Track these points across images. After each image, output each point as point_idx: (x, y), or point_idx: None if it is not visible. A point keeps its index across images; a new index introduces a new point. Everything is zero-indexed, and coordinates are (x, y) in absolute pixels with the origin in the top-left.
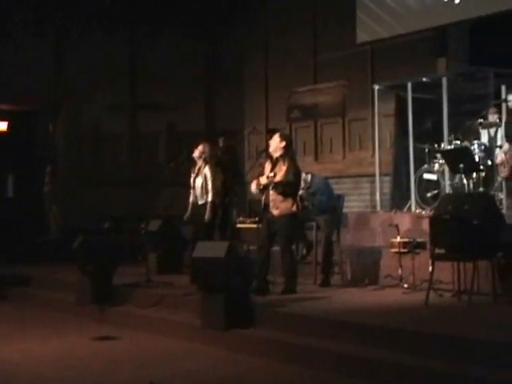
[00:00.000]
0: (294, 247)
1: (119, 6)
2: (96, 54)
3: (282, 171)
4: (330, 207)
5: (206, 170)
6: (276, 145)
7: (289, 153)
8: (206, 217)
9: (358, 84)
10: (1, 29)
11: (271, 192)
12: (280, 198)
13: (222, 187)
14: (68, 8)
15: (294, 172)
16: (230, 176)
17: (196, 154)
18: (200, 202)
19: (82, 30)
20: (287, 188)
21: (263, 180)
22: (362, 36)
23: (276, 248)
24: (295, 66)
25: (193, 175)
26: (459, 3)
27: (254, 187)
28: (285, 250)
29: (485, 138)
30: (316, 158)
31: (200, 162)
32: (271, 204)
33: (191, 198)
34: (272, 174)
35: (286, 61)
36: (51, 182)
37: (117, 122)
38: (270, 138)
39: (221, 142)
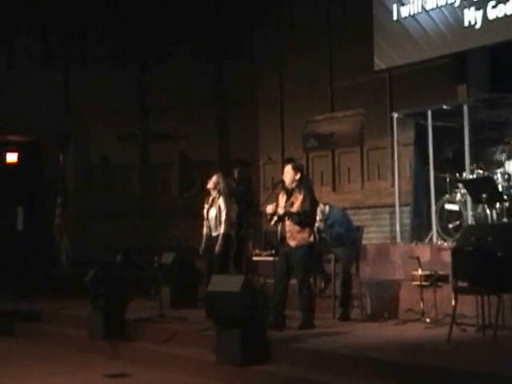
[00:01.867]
0: (311, 280)
1: (129, 33)
2: (106, 83)
3: (298, 201)
4: (349, 239)
5: (221, 202)
6: (291, 177)
7: (304, 183)
8: (217, 249)
9: (376, 112)
10: (10, 59)
11: (287, 223)
12: (296, 228)
13: (237, 219)
14: (77, 37)
15: (311, 201)
16: (245, 207)
17: (210, 185)
18: (214, 234)
19: (92, 59)
20: (303, 218)
21: (280, 210)
22: (379, 63)
23: (293, 281)
24: (311, 94)
25: (206, 206)
26: (479, 28)
27: (269, 209)
28: (302, 283)
29: (508, 167)
30: (334, 189)
31: (214, 193)
32: (287, 235)
33: (205, 230)
34: (288, 204)
35: (301, 88)
36: (62, 213)
37: (128, 153)
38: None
39: (236, 173)
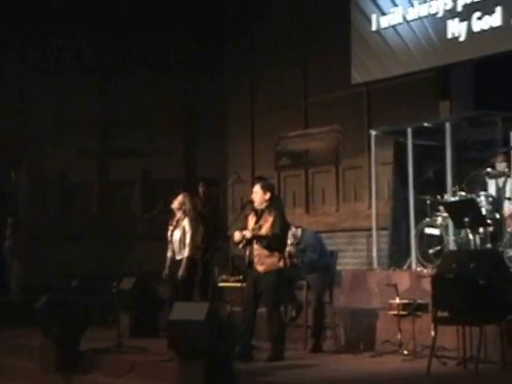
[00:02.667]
0: (282, 308)
1: (88, 41)
2: (62, 94)
3: (267, 223)
4: (322, 264)
5: (185, 223)
6: (260, 197)
7: (274, 204)
8: (181, 273)
9: (352, 129)
10: None
11: (256, 247)
12: (265, 252)
13: (203, 241)
14: (36, 44)
15: (281, 224)
16: (212, 229)
17: (175, 204)
18: (178, 258)
19: (48, 68)
20: (273, 241)
21: (247, 233)
22: (356, 77)
23: (262, 309)
24: (284, 109)
25: (171, 228)
26: (464, 41)
27: (237, 236)
28: (272, 312)
29: (492, 189)
30: (307, 210)
31: (179, 214)
32: (256, 259)
33: (169, 253)
34: (256, 227)
35: (274, 102)
36: (13, 235)
37: (86, 170)
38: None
39: (200, 191)
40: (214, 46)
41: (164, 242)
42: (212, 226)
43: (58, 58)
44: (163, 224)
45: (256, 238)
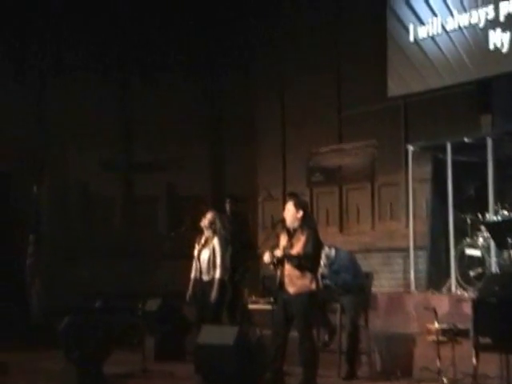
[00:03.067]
0: (314, 332)
1: (112, 47)
2: (85, 105)
3: (299, 242)
4: (357, 286)
5: (215, 243)
6: (292, 215)
7: (307, 222)
8: (213, 297)
9: (389, 144)
10: None
11: (287, 267)
12: (297, 273)
13: (231, 261)
14: (50, 50)
15: (314, 244)
16: (239, 248)
17: (205, 222)
18: (205, 279)
19: (68, 75)
20: (305, 261)
21: (278, 253)
22: (393, 89)
23: (294, 333)
24: (317, 122)
25: (198, 246)
26: (507, 52)
27: (267, 258)
28: (303, 336)
29: None
30: (340, 229)
31: (208, 233)
32: (286, 280)
33: (193, 273)
34: (288, 246)
35: (305, 116)
36: (34, 253)
37: (109, 184)
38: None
39: (227, 207)
40: (241, 54)
41: (191, 260)
42: (240, 245)
43: (80, 65)
44: (190, 242)
45: (287, 257)
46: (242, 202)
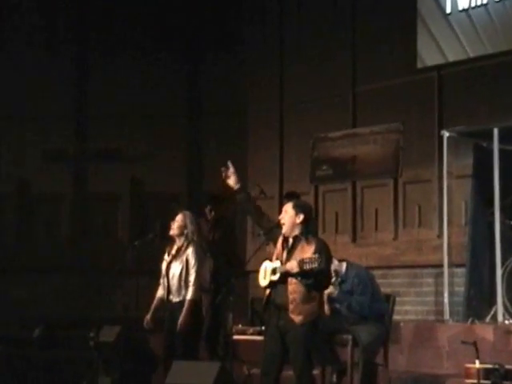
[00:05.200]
0: (316, 372)
1: (64, 15)
2: (28, 81)
3: (306, 254)
4: (374, 312)
5: (190, 253)
6: (290, 220)
7: (311, 229)
8: (181, 322)
9: (417, 129)
10: None
11: (292, 287)
12: (305, 296)
13: (212, 279)
14: None
15: (327, 257)
16: (223, 262)
17: (175, 229)
18: (175, 300)
19: (9, 46)
20: (320, 280)
21: (292, 266)
22: (424, 58)
23: (289, 372)
24: (324, 101)
25: (167, 258)
26: None
27: (262, 279)
28: (302, 377)
29: None
30: (354, 239)
31: (180, 241)
32: (291, 306)
33: (160, 292)
34: (286, 259)
35: (310, 93)
36: None
37: (56, 179)
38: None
39: (208, 213)
40: (229, 19)
41: (158, 277)
42: (224, 258)
43: (20, 34)
44: (159, 253)
45: (300, 273)
46: (227, 203)
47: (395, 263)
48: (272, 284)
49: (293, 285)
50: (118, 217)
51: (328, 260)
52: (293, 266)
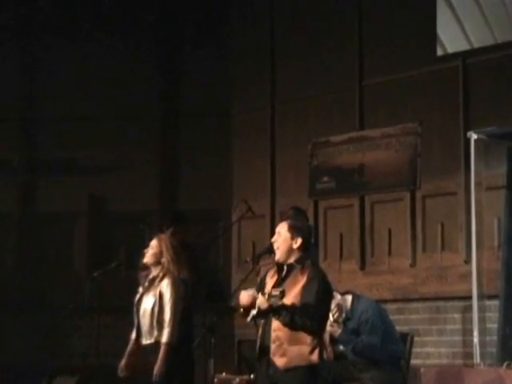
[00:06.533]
0: None
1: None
2: None
3: (296, 286)
4: (387, 356)
5: (165, 286)
6: (285, 244)
7: (310, 256)
8: (156, 373)
9: (439, 130)
10: None
11: (275, 325)
12: (290, 335)
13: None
14: None
15: (320, 289)
16: (205, 296)
17: (149, 257)
18: (146, 342)
19: None
20: (303, 317)
21: (261, 302)
22: (445, 44)
23: None
24: (325, 98)
25: (140, 290)
26: None
27: (244, 299)
28: None
29: None
30: (362, 266)
31: (156, 271)
32: (273, 347)
33: (133, 334)
34: (278, 292)
35: (308, 88)
36: None
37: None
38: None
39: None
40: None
41: (128, 315)
42: (204, 290)
43: None
44: (124, 287)
45: (274, 310)
46: (192, 223)
47: (413, 295)
48: (253, 318)
49: (276, 324)
50: (73, 242)
51: (323, 294)
52: (261, 301)
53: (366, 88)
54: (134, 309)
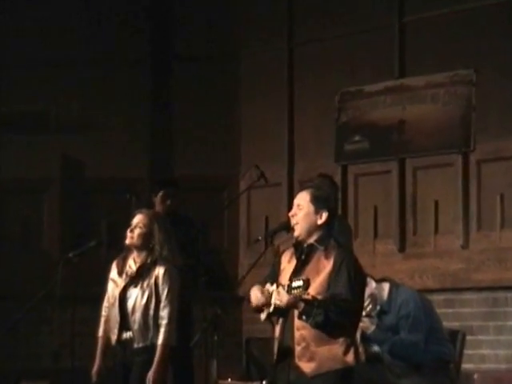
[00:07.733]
0: None
1: None
2: None
3: (320, 274)
4: (432, 358)
5: (161, 277)
6: (307, 219)
7: (337, 234)
8: (151, 377)
9: (498, 79)
10: None
11: (298, 323)
12: (316, 333)
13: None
14: None
15: (354, 275)
16: (207, 285)
17: (135, 238)
18: (137, 345)
19: None
20: (337, 314)
21: (279, 295)
22: None
23: None
24: (357, 39)
25: (118, 278)
26: None
27: (256, 298)
28: None
29: None
30: (402, 247)
31: (141, 256)
32: (298, 349)
33: (101, 331)
34: (301, 282)
35: (335, 28)
36: None
37: None
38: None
39: (159, 203)
40: None
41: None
42: (206, 278)
43: None
44: (107, 271)
45: (296, 305)
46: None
47: (466, 284)
48: (268, 317)
49: (299, 321)
50: (43, 216)
51: (357, 285)
52: (281, 296)
53: (407, 25)
54: (116, 301)
